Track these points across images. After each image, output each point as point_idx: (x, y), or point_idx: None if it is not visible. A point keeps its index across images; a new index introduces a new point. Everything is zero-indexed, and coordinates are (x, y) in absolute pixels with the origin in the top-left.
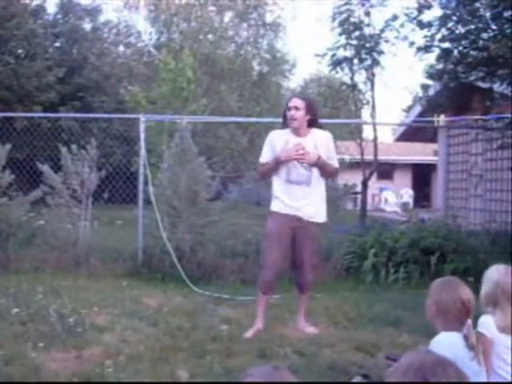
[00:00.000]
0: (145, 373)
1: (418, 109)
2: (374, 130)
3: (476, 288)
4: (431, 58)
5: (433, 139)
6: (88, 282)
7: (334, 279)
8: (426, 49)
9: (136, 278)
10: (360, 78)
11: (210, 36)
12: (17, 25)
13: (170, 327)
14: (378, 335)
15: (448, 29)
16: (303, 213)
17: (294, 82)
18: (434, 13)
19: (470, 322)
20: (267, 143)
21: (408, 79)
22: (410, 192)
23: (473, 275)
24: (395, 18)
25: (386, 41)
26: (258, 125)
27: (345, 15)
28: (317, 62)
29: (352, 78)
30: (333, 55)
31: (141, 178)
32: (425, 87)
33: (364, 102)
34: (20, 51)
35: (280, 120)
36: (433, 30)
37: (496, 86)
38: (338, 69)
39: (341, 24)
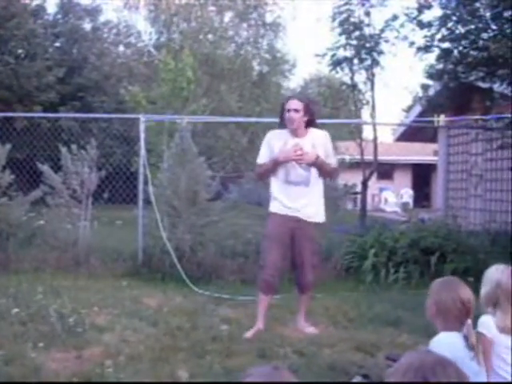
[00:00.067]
0: (145, 373)
1: (417, 109)
2: (374, 130)
3: (476, 288)
4: (431, 57)
5: (433, 139)
6: (88, 282)
7: (334, 279)
8: (426, 49)
9: (136, 278)
10: (360, 78)
11: (210, 36)
12: (17, 25)
13: (170, 327)
14: (377, 335)
15: (448, 29)
16: (302, 213)
17: (294, 82)
18: (433, 13)
19: (469, 321)
20: (265, 144)
21: (408, 79)
22: (410, 192)
23: (473, 275)
24: (395, 17)
25: (386, 41)
26: (258, 125)
27: (345, 15)
28: (317, 62)
29: (352, 78)
30: (333, 55)
31: (141, 178)
32: (425, 87)
33: (364, 102)
34: (20, 51)
35: None
36: (433, 30)
37: (496, 86)
38: (338, 69)
39: (341, 24)
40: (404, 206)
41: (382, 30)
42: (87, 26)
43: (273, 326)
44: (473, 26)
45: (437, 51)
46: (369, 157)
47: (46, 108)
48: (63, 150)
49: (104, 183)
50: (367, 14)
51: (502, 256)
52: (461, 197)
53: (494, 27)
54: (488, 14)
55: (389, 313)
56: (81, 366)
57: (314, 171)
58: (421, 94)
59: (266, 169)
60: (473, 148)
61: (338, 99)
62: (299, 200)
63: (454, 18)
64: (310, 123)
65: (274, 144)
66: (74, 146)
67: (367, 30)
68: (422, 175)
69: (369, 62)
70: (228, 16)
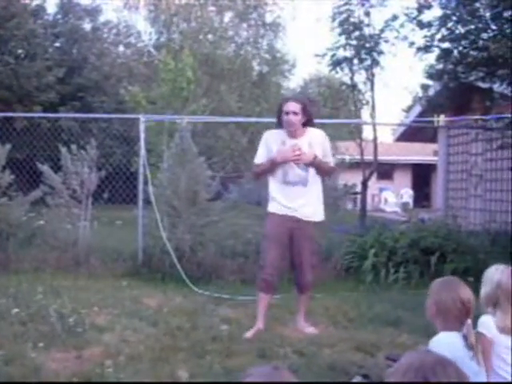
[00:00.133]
0: (145, 373)
1: (417, 109)
2: (374, 130)
3: (476, 288)
4: (431, 58)
5: (433, 139)
6: (88, 282)
7: (334, 279)
8: (426, 49)
9: (136, 278)
10: (360, 78)
11: (209, 36)
12: (17, 25)
13: (169, 327)
14: (377, 335)
15: (448, 29)
16: (300, 213)
17: (294, 82)
18: (433, 13)
19: (469, 321)
20: (262, 144)
21: (408, 79)
22: (410, 192)
23: (473, 275)
24: (395, 18)
25: (386, 41)
26: (258, 125)
27: (345, 15)
28: (317, 62)
29: (352, 78)
30: (333, 55)
31: (141, 178)
32: (425, 87)
33: (364, 102)
34: (20, 51)
35: None
36: (433, 30)
37: (496, 86)
38: (338, 69)
39: (341, 24)
40: (404, 206)
41: (382, 30)
42: (87, 26)
43: (273, 325)
44: (473, 26)
45: (437, 51)
46: (369, 157)
47: (46, 108)
48: (63, 150)
49: (104, 183)
50: (367, 14)
51: (502, 256)
52: (461, 197)
53: (493, 27)
54: (488, 14)
55: (389, 313)
56: (81, 365)
57: (311, 171)
58: (421, 94)
59: (263, 169)
60: (473, 148)
61: (337, 99)
62: (297, 200)
63: (454, 18)
64: (307, 123)
65: (271, 144)
66: (73, 146)
67: (367, 30)
68: (421, 175)
69: (369, 62)
70: (228, 16)
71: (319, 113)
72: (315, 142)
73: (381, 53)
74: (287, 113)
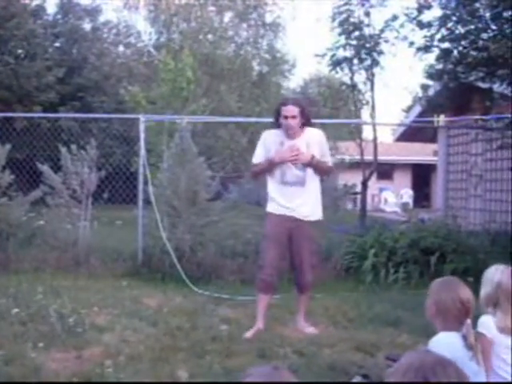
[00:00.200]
0: (145, 373)
1: (417, 109)
2: (374, 130)
3: (476, 288)
4: (431, 58)
5: (433, 139)
6: (88, 282)
7: (334, 279)
8: (426, 49)
9: (136, 278)
10: (360, 78)
11: (209, 36)
12: (17, 25)
13: (169, 327)
14: (377, 335)
15: (448, 29)
16: (298, 213)
17: (294, 82)
18: (433, 13)
19: (469, 321)
20: (260, 143)
21: (408, 79)
22: (410, 192)
23: (472, 275)
24: (395, 18)
25: (386, 41)
26: (258, 125)
27: (344, 15)
28: (317, 62)
29: (352, 78)
30: (332, 55)
31: (140, 178)
32: (424, 87)
33: (364, 102)
34: (20, 51)
35: None
36: (432, 30)
37: (496, 86)
38: (338, 69)
39: (340, 24)
40: (404, 206)
41: (382, 30)
42: (87, 26)
43: (273, 325)
44: (472, 26)
45: (436, 51)
46: (369, 157)
47: (46, 108)
48: (63, 150)
49: (104, 183)
50: (367, 14)
51: (502, 256)
52: (461, 197)
53: (493, 27)
54: (488, 14)
55: (388, 313)
56: (81, 366)
57: (309, 171)
58: (421, 94)
59: (261, 169)
60: (473, 148)
61: (337, 99)
62: (295, 200)
63: (454, 18)
64: (305, 123)
65: (269, 144)
66: (73, 146)
67: (367, 30)
68: (421, 175)
69: (368, 62)
70: (228, 16)
71: (319, 113)
72: (313, 141)
73: (381, 53)
74: (286, 117)
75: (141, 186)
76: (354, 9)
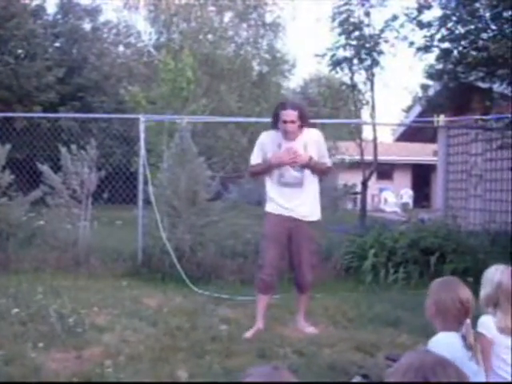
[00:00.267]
0: (145, 373)
1: (417, 109)
2: (374, 130)
3: (475, 288)
4: (431, 58)
5: (432, 139)
6: (88, 282)
7: (334, 279)
8: (426, 49)
9: (136, 278)
10: (360, 78)
11: (209, 36)
12: (17, 25)
13: (169, 327)
14: (377, 335)
15: (448, 29)
16: (297, 213)
17: (294, 82)
18: (433, 13)
19: (468, 321)
20: (258, 144)
21: (408, 79)
22: (410, 192)
23: (472, 275)
24: (395, 18)
25: (386, 41)
26: (258, 125)
27: (344, 15)
28: (317, 62)
29: (352, 78)
30: (332, 55)
31: (140, 178)
32: (424, 87)
33: (364, 102)
34: (20, 51)
35: None
36: (432, 30)
37: (496, 86)
38: (338, 69)
39: (340, 24)
40: (404, 206)
41: (382, 31)
42: (87, 26)
43: (272, 325)
44: (472, 26)
45: (436, 51)
46: (368, 157)
47: (46, 108)
48: (63, 150)
49: (104, 183)
50: (367, 14)
51: (502, 256)
52: (460, 197)
53: (493, 27)
54: (488, 15)
55: (388, 313)
56: (81, 366)
57: (307, 172)
58: (420, 94)
59: (259, 170)
60: (472, 148)
61: (337, 99)
62: (293, 200)
63: (454, 18)
64: (303, 125)
65: (267, 146)
66: (73, 146)
67: (367, 30)
68: (421, 175)
69: (368, 62)
70: (228, 16)
71: (319, 113)
72: (311, 142)
73: (381, 53)
74: (285, 121)
75: (141, 186)
76: (354, 9)
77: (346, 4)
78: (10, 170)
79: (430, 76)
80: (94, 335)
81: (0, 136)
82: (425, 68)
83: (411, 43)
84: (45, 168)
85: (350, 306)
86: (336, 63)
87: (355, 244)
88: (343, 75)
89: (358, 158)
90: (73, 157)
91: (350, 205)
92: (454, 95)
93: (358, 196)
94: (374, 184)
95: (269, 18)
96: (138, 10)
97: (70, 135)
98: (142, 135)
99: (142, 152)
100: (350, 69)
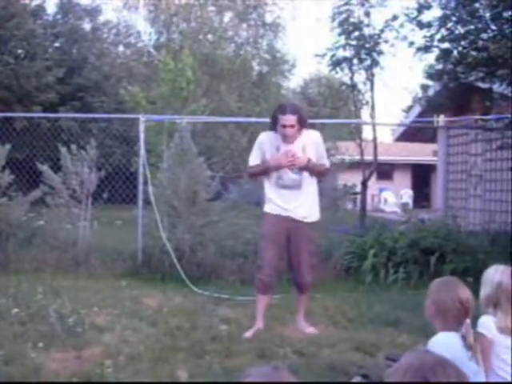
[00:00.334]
0: (144, 373)
1: (417, 109)
2: (374, 130)
3: (475, 288)
4: (431, 58)
5: (432, 139)
6: (88, 282)
7: (334, 279)
8: (426, 49)
9: (136, 278)
10: (360, 78)
11: (209, 36)
12: (17, 25)
13: (169, 327)
14: (377, 335)
15: (448, 29)
16: (295, 213)
17: (294, 82)
18: (433, 13)
19: (468, 321)
20: (257, 146)
21: (408, 79)
22: (410, 192)
23: (472, 275)
24: (395, 18)
25: (386, 41)
26: (258, 125)
27: (344, 15)
28: (316, 62)
29: (352, 78)
30: (332, 55)
31: (140, 178)
32: (424, 87)
33: (364, 102)
34: (20, 51)
35: None
36: (432, 31)
37: (495, 87)
38: (338, 69)
39: (340, 24)
40: (404, 206)
41: (382, 31)
42: (87, 26)
43: (272, 325)
44: (472, 27)
45: (436, 51)
46: (368, 157)
47: (46, 108)
48: (63, 150)
49: (104, 183)
50: (367, 14)
51: (502, 256)
52: (460, 197)
53: (493, 27)
54: (487, 15)
55: (388, 313)
56: (80, 366)
57: (305, 174)
58: (420, 95)
59: (257, 171)
60: (472, 148)
61: (337, 99)
62: (292, 202)
63: (454, 19)
64: (302, 127)
65: (265, 147)
66: (73, 146)
67: (367, 31)
68: (421, 175)
69: (368, 62)
70: (228, 16)
71: (319, 113)
72: (309, 143)
73: (381, 53)
74: (284, 126)
75: (141, 186)
76: (353, 9)
77: (345, 4)
78: (9, 170)
79: (429, 76)
80: (93, 335)
81: (0, 136)
82: (425, 68)
83: (411, 43)
84: (45, 168)
85: (349, 306)
86: (336, 63)
87: (355, 244)
88: (343, 75)
89: (357, 158)
90: (73, 157)
91: (349, 205)
92: (454, 95)
93: (358, 196)
94: (373, 184)
95: (269, 18)
96: (137, 10)
97: (70, 135)
98: (142, 135)
99: (142, 152)
100: (350, 69)
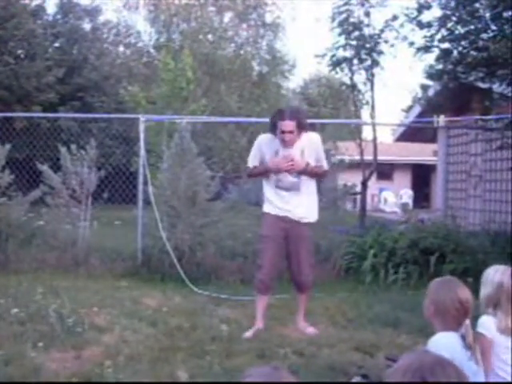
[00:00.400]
0: (144, 373)
1: (417, 109)
2: (374, 130)
3: (475, 288)
4: (431, 58)
5: (432, 139)
6: (87, 282)
7: (334, 279)
8: (426, 49)
9: (135, 278)
10: (359, 78)
11: (209, 36)
12: (17, 25)
13: (169, 327)
14: (377, 335)
15: (448, 29)
16: (293, 214)
17: (294, 82)
18: (433, 13)
19: (467, 321)
20: (256, 147)
21: (408, 79)
22: (410, 192)
23: (472, 276)
24: (395, 18)
25: (386, 41)
26: (258, 125)
27: (344, 15)
28: (316, 63)
29: (352, 79)
30: (332, 55)
31: (140, 178)
32: (424, 87)
33: (364, 102)
34: (20, 51)
35: None
36: (432, 31)
37: (495, 87)
38: (338, 69)
39: (340, 24)
40: (403, 206)
41: (382, 31)
42: (87, 26)
43: (272, 325)
44: (472, 27)
45: (436, 51)
46: (368, 157)
47: (46, 108)
48: (63, 150)
49: (103, 183)
50: (367, 14)
51: (502, 256)
52: (460, 197)
53: (493, 27)
54: (488, 15)
55: (388, 313)
56: (80, 366)
57: (304, 176)
58: (420, 95)
59: (256, 172)
60: (472, 148)
61: (337, 99)
62: (290, 203)
63: (454, 19)
64: (301, 131)
65: (264, 149)
66: (73, 146)
67: (367, 31)
68: (421, 175)
69: (368, 62)
70: (228, 16)
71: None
72: (308, 146)
73: (381, 53)
74: (283, 132)
75: (140, 186)
76: (353, 9)
77: (345, 4)
78: (9, 170)
79: (429, 76)
80: (93, 335)
81: (0, 136)
82: (425, 68)
83: (411, 43)
84: (44, 168)
85: (349, 306)
86: (336, 63)
87: (355, 244)
88: (343, 75)
89: (357, 158)
90: (72, 157)
91: (349, 205)
92: (454, 95)
93: (358, 196)
94: (373, 184)
95: (269, 18)
96: (137, 10)
97: (70, 135)
98: (142, 135)
99: (142, 152)
100: (350, 69)
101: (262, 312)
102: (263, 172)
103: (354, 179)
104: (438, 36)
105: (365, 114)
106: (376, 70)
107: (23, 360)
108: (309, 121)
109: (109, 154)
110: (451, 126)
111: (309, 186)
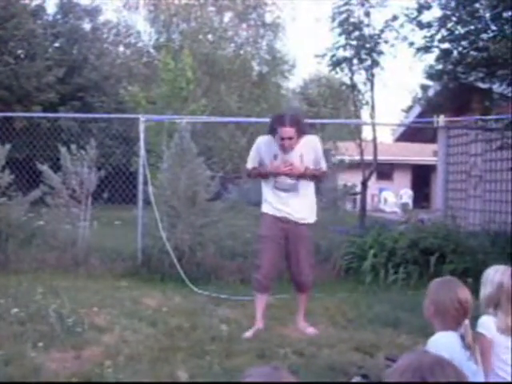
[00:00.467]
0: (144, 373)
1: (417, 109)
2: (374, 130)
3: (475, 288)
4: (431, 58)
5: (432, 140)
6: (87, 282)
7: (334, 280)
8: (426, 49)
9: (135, 278)
10: (359, 78)
11: (209, 36)
12: (16, 25)
13: (169, 327)
14: (377, 335)
15: (448, 29)
16: (292, 215)
17: (294, 82)
18: (433, 13)
19: (467, 321)
20: (255, 149)
21: (408, 80)
22: (410, 192)
23: (472, 276)
24: (395, 18)
25: (386, 41)
26: (258, 125)
27: (344, 15)
28: (316, 63)
29: (352, 79)
30: (332, 55)
31: (140, 178)
32: (424, 88)
33: (363, 102)
34: (20, 51)
35: None
36: (432, 31)
37: (495, 87)
38: (338, 69)
39: (340, 24)
40: (403, 206)
41: (382, 31)
42: (87, 26)
43: (272, 326)
44: (472, 27)
45: (436, 52)
46: (368, 157)
47: (46, 108)
48: (63, 150)
49: (103, 183)
50: (367, 14)
51: (502, 257)
52: (460, 197)
53: (493, 28)
54: (488, 15)
55: (388, 313)
56: (80, 366)
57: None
58: (420, 95)
59: (255, 173)
60: (472, 149)
61: (337, 99)
62: (289, 204)
63: (454, 19)
64: (300, 135)
65: (263, 151)
66: (73, 146)
67: (367, 31)
68: (421, 176)
69: (368, 62)
70: (227, 16)
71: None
72: (307, 149)
73: (381, 53)
74: (283, 138)
75: (140, 186)
76: (353, 9)
77: (345, 4)
78: (9, 170)
79: (429, 76)
80: (93, 335)
81: (0, 136)
82: (425, 68)
83: (411, 43)
84: (44, 168)
85: (349, 306)
86: (336, 63)
87: (355, 244)
88: (343, 75)
89: (357, 158)
90: (72, 157)
91: (349, 205)
92: (454, 96)
93: (358, 196)
94: (373, 184)
95: (268, 18)
96: (137, 10)
97: (70, 135)
98: (142, 135)
99: (142, 152)
100: (350, 69)
101: (262, 312)
102: (262, 174)
103: (353, 179)
104: (438, 36)
105: (365, 114)
106: (376, 70)
107: (23, 360)
108: (309, 121)
109: (109, 154)
110: (451, 126)
111: (307, 187)
